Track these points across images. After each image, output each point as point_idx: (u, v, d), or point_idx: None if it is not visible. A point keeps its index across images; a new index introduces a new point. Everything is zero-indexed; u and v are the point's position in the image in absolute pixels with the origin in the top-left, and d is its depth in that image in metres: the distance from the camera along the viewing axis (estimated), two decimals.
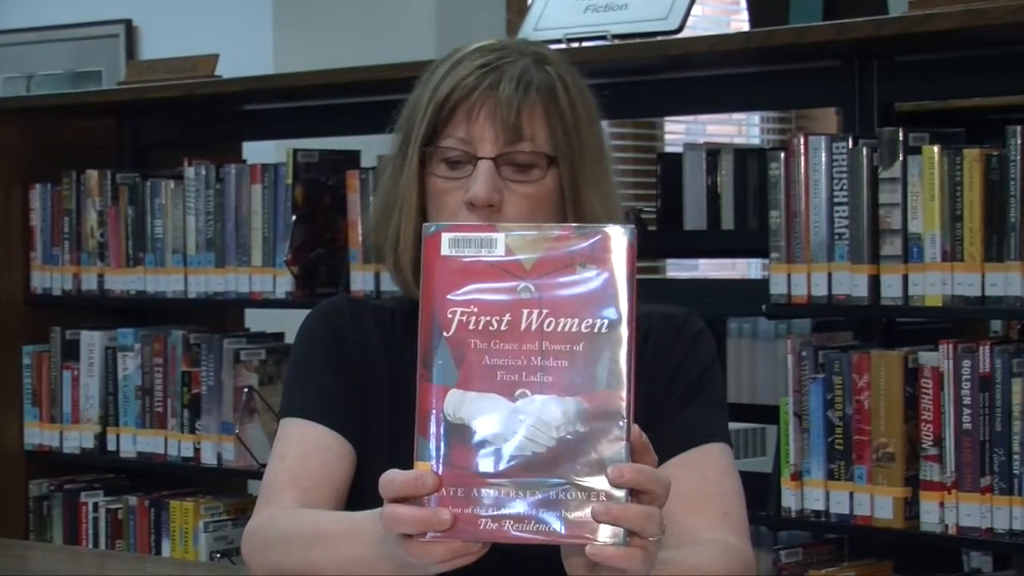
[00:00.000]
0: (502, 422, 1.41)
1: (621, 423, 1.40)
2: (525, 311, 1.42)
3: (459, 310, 1.43)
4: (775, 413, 3.06)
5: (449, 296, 1.43)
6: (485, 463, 1.41)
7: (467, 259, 1.44)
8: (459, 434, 1.41)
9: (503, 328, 1.42)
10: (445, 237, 1.44)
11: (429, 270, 1.44)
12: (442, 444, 1.41)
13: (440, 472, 1.41)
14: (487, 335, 1.42)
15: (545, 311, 1.42)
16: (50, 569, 2.77)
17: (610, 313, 1.41)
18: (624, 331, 1.41)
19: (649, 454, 1.43)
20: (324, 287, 3.71)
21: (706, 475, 1.78)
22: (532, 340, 1.41)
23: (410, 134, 1.83)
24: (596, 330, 1.41)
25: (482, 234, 1.44)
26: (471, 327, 1.42)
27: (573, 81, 1.83)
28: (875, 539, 3.05)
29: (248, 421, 3.82)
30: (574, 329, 1.41)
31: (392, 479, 1.42)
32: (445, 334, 1.42)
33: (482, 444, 1.41)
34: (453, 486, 1.41)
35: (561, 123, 1.79)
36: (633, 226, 1.43)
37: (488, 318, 1.42)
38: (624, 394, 1.40)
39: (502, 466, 1.40)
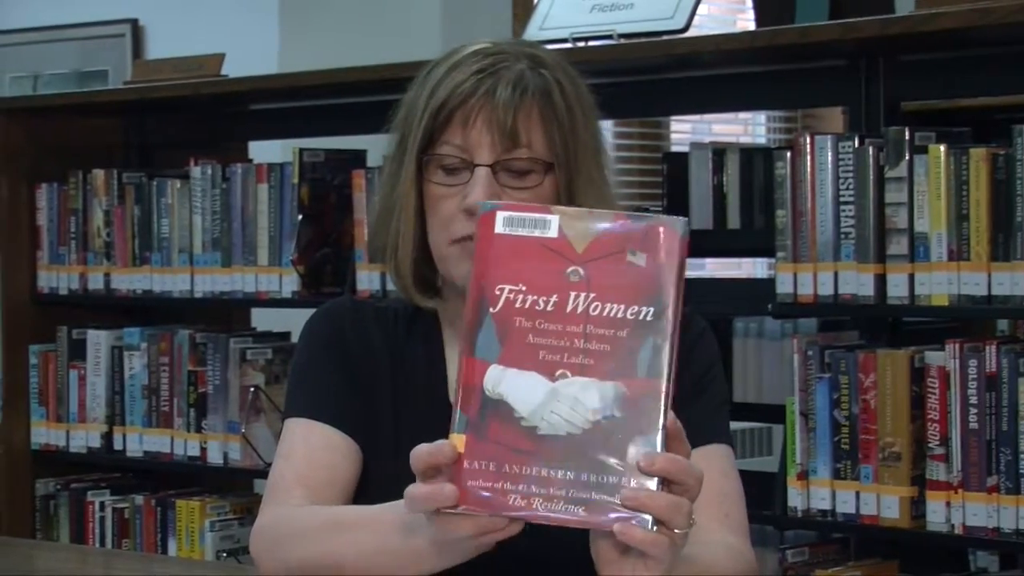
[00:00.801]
0: (540, 401, 1.42)
1: (658, 411, 1.41)
2: (572, 293, 1.43)
3: (507, 287, 1.44)
4: (781, 412, 3.06)
5: (499, 273, 1.44)
6: (520, 440, 1.41)
7: (520, 238, 1.45)
8: (496, 409, 1.42)
9: (549, 308, 1.43)
10: (500, 215, 1.46)
11: (482, 246, 1.46)
12: (478, 418, 1.42)
13: (473, 446, 1.42)
14: (533, 314, 1.43)
15: (592, 295, 1.43)
16: (56, 568, 2.77)
17: (656, 302, 1.42)
18: (669, 321, 1.42)
19: (683, 445, 1.44)
20: (330, 286, 3.71)
21: (708, 476, 1.77)
22: (577, 323, 1.43)
23: (407, 138, 1.83)
24: (641, 318, 1.42)
25: (537, 215, 1.46)
26: (517, 305, 1.44)
27: (569, 82, 1.83)
28: (881, 539, 3.04)
29: (254, 420, 3.82)
30: (619, 315, 1.42)
31: (417, 451, 1.44)
32: (492, 310, 1.44)
33: (518, 421, 1.42)
34: (486, 460, 1.42)
35: (558, 127, 1.79)
36: (687, 219, 1.44)
37: (535, 297, 1.44)
38: (663, 383, 1.41)
39: (536, 445, 1.41)
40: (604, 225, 1.44)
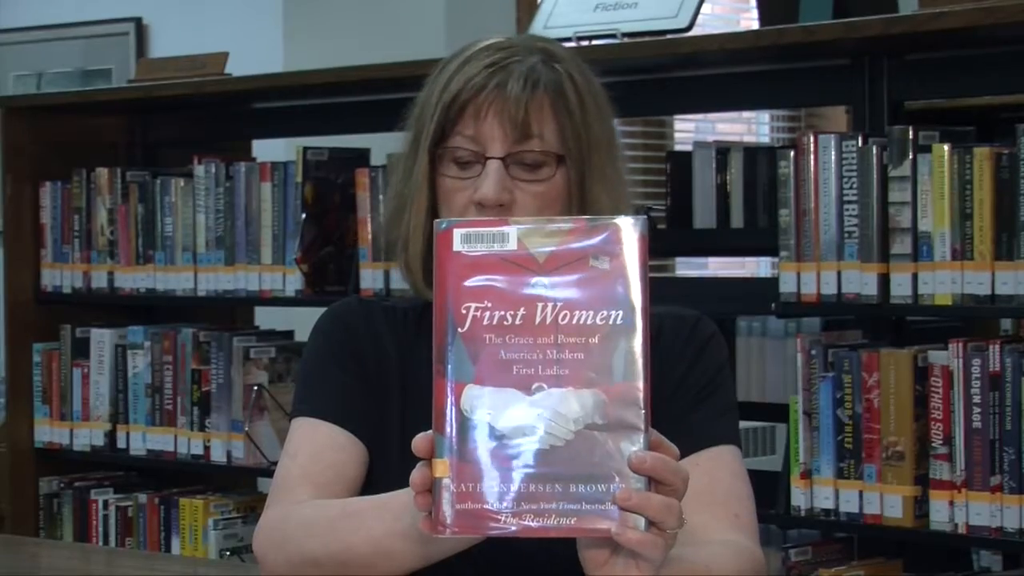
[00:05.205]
0: (520, 416, 1.41)
1: (639, 414, 1.41)
2: (539, 305, 1.42)
3: (473, 305, 1.43)
4: (784, 411, 3.06)
5: (462, 292, 1.43)
6: (504, 458, 1.41)
7: (480, 254, 1.44)
8: (477, 429, 1.42)
9: (518, 322, 1.42)
10: (457, 233, 1.44)
11: (442, 266, 1.44)
12: (460, 440, 1.42)
13: (458, 468, 1.41)
14: (502, 330, 1.42)
15: (559, 304, 1.42)
16: (60, 567, 2.78)
17: (624, 305, 1.42)
18: (639, 322, 1.42)
19: (666, 447, 1.44)
20: (333, 285, 3.71)
21: (717, 477, 1.78)
22: (547, 334, 1.42)
23: (420, 134, 1.83)
24: (611, 322, 1.42)
25: (494, 229, 1.45)
26: (485, 322, 1.43)
27: (583, 77, 1.83)
28: (885, 538, 3.04)
29: (257, 419, 3.82)
30: (589, 322, 1.42)
31: (415, 441, 1.44)
32: (460, 330, 1.43)
33: (500, 439, 1.41)
34: (472, 482, 1.41)
35: (570, 120, 1.79)
36: (644, 217, 1.44)
37: (502, 313, 1.43)
38: (641, 385, 1.41)
39: (521, 460, 1.41)
40: (563, 233, 1.44)
